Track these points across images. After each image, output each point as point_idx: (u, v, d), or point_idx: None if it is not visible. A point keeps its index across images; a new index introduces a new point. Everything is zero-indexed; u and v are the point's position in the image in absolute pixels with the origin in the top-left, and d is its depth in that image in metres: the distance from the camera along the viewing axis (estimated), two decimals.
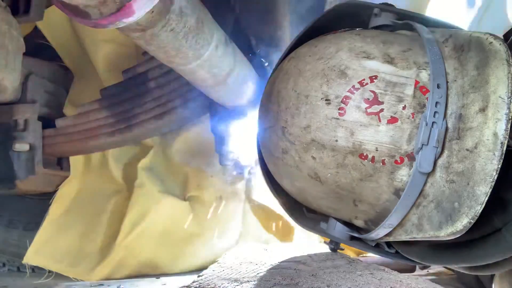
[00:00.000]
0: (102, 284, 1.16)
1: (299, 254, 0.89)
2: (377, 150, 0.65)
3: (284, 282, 0.68)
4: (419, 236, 0.64)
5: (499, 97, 0.58)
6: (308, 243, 1.29)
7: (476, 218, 0.57)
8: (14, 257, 1.28)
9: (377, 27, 0.82)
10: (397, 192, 0.66)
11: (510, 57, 0.60)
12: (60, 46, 1.30)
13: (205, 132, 1.27)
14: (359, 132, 0.66)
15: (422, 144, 0.62)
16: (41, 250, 1.23)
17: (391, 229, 0.69)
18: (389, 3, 0.83)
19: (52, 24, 1.24)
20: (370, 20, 0.83)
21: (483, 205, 0.57)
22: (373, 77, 0.66)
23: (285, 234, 1.35)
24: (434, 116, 0.62)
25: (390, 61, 0.68)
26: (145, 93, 1.20)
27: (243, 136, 1.22)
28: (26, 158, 1.12)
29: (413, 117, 0.64)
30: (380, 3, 0.82)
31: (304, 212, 0.89)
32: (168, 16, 0.74)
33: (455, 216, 0.59)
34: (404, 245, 0.78)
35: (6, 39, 0.85)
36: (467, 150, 0.60)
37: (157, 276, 1.22)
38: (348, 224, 0.82)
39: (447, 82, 0.64)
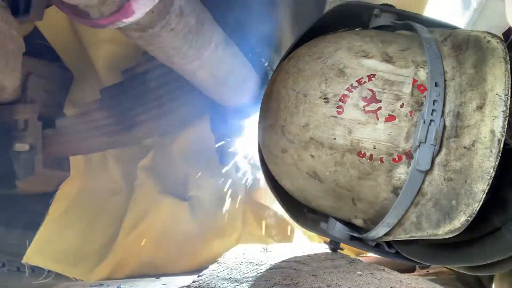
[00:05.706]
0: (102, 284, 1.16)
1: (299, 254, 0.89)
2: (375, 148, 0.65)
3: (284, 282, 0.68)
4: (418, 235, 0.64)
5: (496, 94, 0.58)
6: (308, 243, 1.29)
7: (474, 215, 0.57)
8: (14, 257, 1.28)
9: (377, 28, 0.82)
10: (395, 191, 0.66)
11: (508, 55, 0.60)
12: (60, 46, 1.30)
13: (205, 132, 1.27)
14: (357, 130, 0.66)
15: (420, 142, 0.62)
16: (41, 250, 1.23)
17: (390, 228, 0.69)
18: (389, 3, 0.83)
19: (52, 24, 1.23)
20: (370, 20, 0.83)
21: (481, 203, 0.57)
22: (371, 76, 0.67)
23: (285, 234, 1.35)
24: (432, 114, 0.62)
25: (388, 59, 0.68)
26: (145, 93, 1.20)
27: (243, 136, 1.22)
28: (26, 158, 1.13)
29: (411, 115, 0.64)
30: (380, 4, 0.82)
31: (304, 212, 0.89)
32: (168, 16, 0.74)
33: (453, 214, 0.59)
34: (404, 244, 0.78)
35: (6, 39, 0.86)
36: (465, 147, 0.59)
37: (157, 276, 1.22)
38: (348, 224, 0.82)
39: (445, 80, 0.64)
